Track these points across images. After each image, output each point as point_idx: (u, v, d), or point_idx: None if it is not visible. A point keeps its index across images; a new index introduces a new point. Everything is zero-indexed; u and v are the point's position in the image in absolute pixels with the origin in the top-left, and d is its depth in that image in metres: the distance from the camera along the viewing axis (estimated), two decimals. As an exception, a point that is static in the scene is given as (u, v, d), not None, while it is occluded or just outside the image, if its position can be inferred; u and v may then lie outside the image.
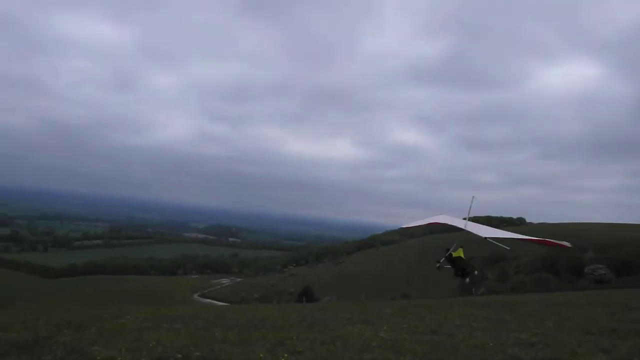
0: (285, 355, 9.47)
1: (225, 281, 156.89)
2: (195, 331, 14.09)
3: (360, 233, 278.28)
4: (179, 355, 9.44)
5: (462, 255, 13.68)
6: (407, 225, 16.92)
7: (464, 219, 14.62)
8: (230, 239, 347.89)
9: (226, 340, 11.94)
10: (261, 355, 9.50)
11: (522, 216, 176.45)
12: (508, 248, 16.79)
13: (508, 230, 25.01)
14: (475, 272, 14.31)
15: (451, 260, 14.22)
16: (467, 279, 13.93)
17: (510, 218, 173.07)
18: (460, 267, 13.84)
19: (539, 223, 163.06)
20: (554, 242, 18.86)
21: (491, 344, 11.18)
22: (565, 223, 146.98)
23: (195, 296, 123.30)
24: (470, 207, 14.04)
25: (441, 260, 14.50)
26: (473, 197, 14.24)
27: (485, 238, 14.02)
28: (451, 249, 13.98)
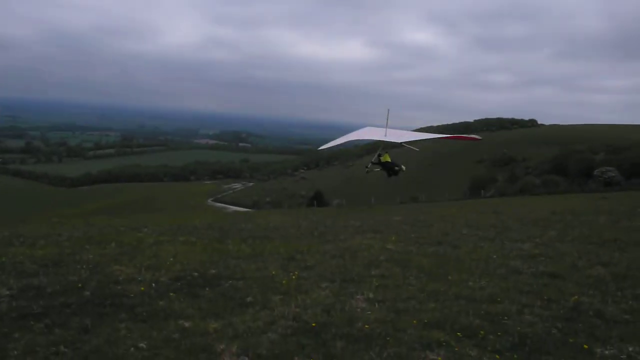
0: (296, 272, 9.88)
1: (237, 186, 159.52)
2: (210, 243, 14.64)
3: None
4: (196, 273, 9.88)
5: (389, 159, 15.72)
6: (325, 147, 17.28)
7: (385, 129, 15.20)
8: (241, 144, 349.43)
9: (240, 253, 12.41)
10: (273, 272, 9.93)
11: (534, 117, 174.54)
12: (417, 149, 19.18)
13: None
14: (404, 168, 16.39)
15: (380, 163, 15.97)
16: (398, 174, 16.13)
17: (522, 120, 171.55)
18: (389, 168, 15.88)
19: (551, 125, 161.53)
20: (466, 137, 20.71)
21: (494, 256, 11.54)
22: (578, 125, 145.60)
23: (209, 201, 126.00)
24: (387, 118, 14.61)
25: (369, 166, 16.73)
26: (388, 109, 14.73)
27: (401, 143, 15.33)
28: (377, 155, 15.93)
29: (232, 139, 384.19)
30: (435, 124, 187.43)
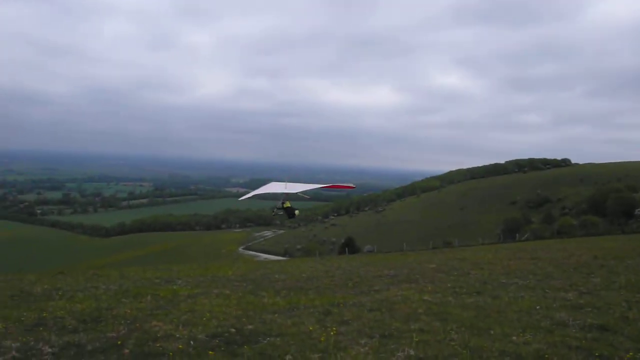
0: (334, 328, 9.72)
1: (267, 233, 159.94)
2: (244, 296, 14.60)
3: (400, 181, 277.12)
4: (233, 330, 9.82)
5: (289, 205, 19.08)
6: (243, 198, 20.25)
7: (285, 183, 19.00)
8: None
9: (276, 307, 12.33)
10: (311, 328, 9.79)
11: (568, 157, 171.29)
12: (308, 197, 21.94)
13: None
14: (297, 212, 20.00)
15: (283, 209, 19.31)
16: (295, 217, 19.75)
17: (555, 159, 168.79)
18: (289, 212, 19.39)
19: (586, 163, 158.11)
20: (341, 185, 22.85)
21: (537, 307, 11.15)
22: (615, 162, 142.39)
23: (240, 249, 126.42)
24: (287, 180, 18.97)
25: (275, 210, 20.02)
26: (287, 180, 19.28)
27: (297, 193, 18.45)
28: (281, 203, 19.32)
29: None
30: (465, 166, 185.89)
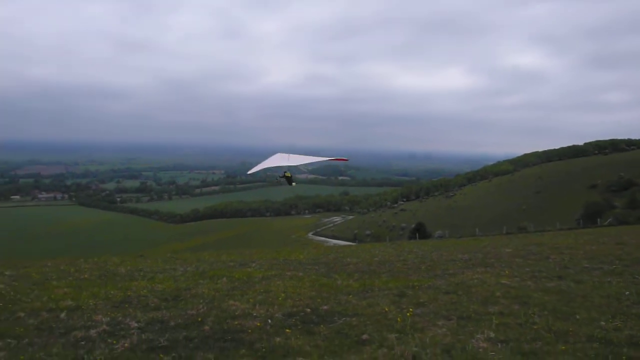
0: (410, 309, 9.62)
1: (337, 219, 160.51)
2: (317, 278, 14.72)
3: (472, 165, 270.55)
4: (308, 309, 9.93)
5: (289, 175, 21.47)
6: (251, 171, 20.23)
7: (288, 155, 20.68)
8: (340, 178, 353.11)
9: (349, 289, 12.35)
10: (386, 309, 9.73)
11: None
12: (306, 171, 24.38)
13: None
14: (294, 184, 22.31)
15: (285, 177, 21.74)
16: (293, 184, 22.10)
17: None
18: (289, 181, 21.69)
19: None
20: (336, 159, 24.54)
21: (627, 293, 10.54)
22: None
23: (310, 235, 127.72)
24: (289, 154, 20.45)
25: (278, 178, 22.45)
26: (289, 153, 20.82)
27: (297, 166, 20.24)
28: (283, 173, 21.51)
29: (331, 172, 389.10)
30: (541, 149, 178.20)
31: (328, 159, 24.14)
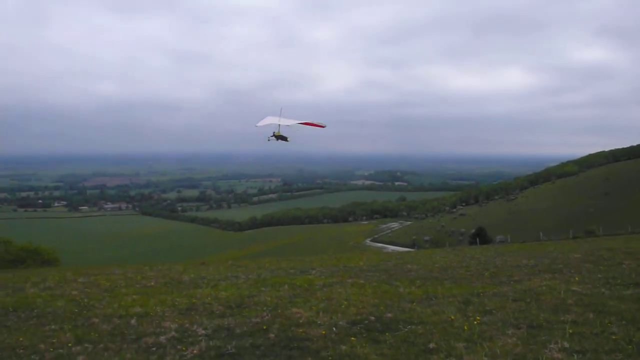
0: (477, 317, 9.36)
1: (394, 225, 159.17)
2: (379, 285, 14.59)
3: (533, 167, 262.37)
4: (372, 317, 9.85)
5: (280, 134, 22.60)
6: (259, 124, 23.45)
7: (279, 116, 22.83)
8: (397, 183, 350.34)
9: (412, 296, 12.17)
10: (452, 317, 9.51)
11: None
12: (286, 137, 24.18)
13: None
14: (288, 139, 23.38)
15: (275, 136, 22.91)
16: (287, 141, 23.16)
17: None
18: (281, 138, 22.88)
19: None
20: (313, 124, 24.67)
21: None
22: None
23: (368, 241, 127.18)
24: (281, 109, 23.06)
25: (269, 138, 23.36)
26: (281, 108, 23.30)
27: (287, 126, 22.70)
28: (273, 133, 22.78)
29: (387, 178, 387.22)
30: (607, 148, 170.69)
31: (305, 122, 25.44)
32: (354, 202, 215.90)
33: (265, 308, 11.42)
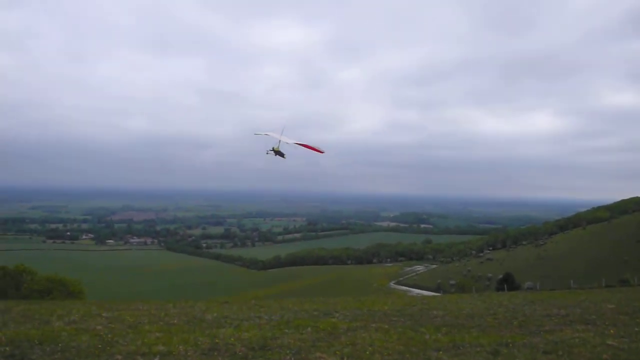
0: (507, 369, 9.01)
1: (419, 268, 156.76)
2: (404, 331, 14.23)
3: (562, 211, 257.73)
4: (397, 365, 9.57)
5: (279, 149, 25.38)
6: (257, 134, 28.28)
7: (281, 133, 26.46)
8: (422, 226, 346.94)
9: (439, 344, 11.82)
10: (481, 368, 9.18)
11: None
12: (290, 148, 26.84)
13: None
14: (285, 157, 26.77)
15: (274, 151, 25.70)
16: (284, 157, 26.25)
17: None
18: (279, 154, 25.63)
19: None
20: (311, 147, 26.93)
21: None
22: None
23: (392, 284, 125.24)
24: (283, 127, 26.54)
25: (268, 152, 26.38)
26: (284, 126, 26.89)
27: (286, 143, 25.82)
28: (272, 148, 26.07)
29: (413, 220, 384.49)
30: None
31: (304, 144, 28.13)
32: (378, 243, 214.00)
33: (288, 351, 11.22)
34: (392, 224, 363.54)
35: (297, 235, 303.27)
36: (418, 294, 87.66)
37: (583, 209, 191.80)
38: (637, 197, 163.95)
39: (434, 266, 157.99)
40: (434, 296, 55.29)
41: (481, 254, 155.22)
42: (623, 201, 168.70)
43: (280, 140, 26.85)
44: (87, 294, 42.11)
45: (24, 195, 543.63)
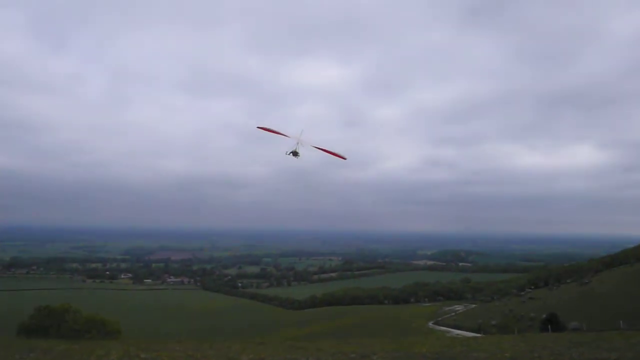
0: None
1: (458, 307, 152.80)
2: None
3: (608, 248, 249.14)
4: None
5: (298, 151, 28.07)
6: (262, 126, 29.59)
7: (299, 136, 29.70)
8: (461, 264, 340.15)
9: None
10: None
11: None
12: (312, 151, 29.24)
13: None
14: (299, 156, 29.42)
15: (293, 153, 28.21)
16: (298, 156, 28.92)
17: None
18: (294, 154, 28.18)
19: None
20: (333, 153, 30.18)
21: None
22: None
23: (430, 324, 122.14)
24: (302, 132, 29.31)
25: (288, 153, 28.95)
26: (302, 129, 29.34)
27: (311, 145, 29.11)
28: (291, 151, 29.23)
29: (451, 258, 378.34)
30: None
31: (325, 149, 30.10)
32: (416, 282, 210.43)
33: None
34: (430, 263, 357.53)
35: (333, 274, 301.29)
36: (458, 334, 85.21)
37: (630, 245, 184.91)
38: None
39: (474, 306, 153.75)
40: (474, 337, 53.64)
41: (522, 293, 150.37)
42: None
43: (298, 143, 30.10)
44: (125, 333, 42.46)
45: (66, 235, 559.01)
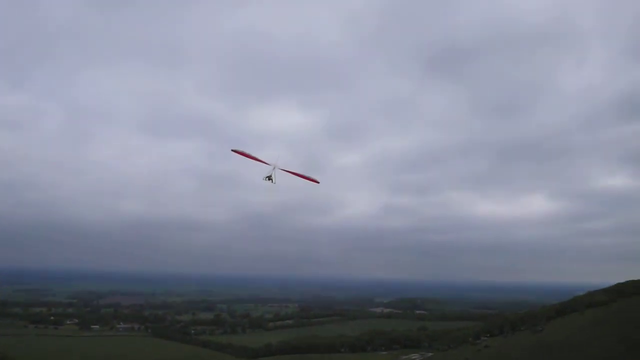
0: None
1: (415, 356, 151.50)
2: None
3: (560, 296, 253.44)
4: None
5: (272, 176, 29.55)
6: (236, 149, 30.31)
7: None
8: (417, 312, 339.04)
9: None
10: None
11: None
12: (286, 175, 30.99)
13: None
14: (274, 182, 31.35)
15: (268, 177, 29.79)
16: (273, 182, 30.48)
17: None
18: (269, 179, 29.46)
19: None
20: (305, 177, 31.35)
21: None
22: None
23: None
24: (278, 157, 30.97)
25: (265, 178, 30.31)
26: (278, 156, 30.95)
27: (279, 168, 31.28)
28: (267, 176, 30.88)
29: (407, 306, 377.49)
30: (638, 277, 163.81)
31: (298, 174, 31.65)
32: (372, 330, 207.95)
33: None
34: (387, 310, 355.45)
35: (290, 321, 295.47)
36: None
37: (580, 293, 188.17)
38: (637, 280, 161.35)
39: (430, 354, 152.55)
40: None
41: (478, 341, 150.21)
42: (618, 284, 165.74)
43: (274, 168, 32.01)
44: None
45: (10, 277, 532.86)
